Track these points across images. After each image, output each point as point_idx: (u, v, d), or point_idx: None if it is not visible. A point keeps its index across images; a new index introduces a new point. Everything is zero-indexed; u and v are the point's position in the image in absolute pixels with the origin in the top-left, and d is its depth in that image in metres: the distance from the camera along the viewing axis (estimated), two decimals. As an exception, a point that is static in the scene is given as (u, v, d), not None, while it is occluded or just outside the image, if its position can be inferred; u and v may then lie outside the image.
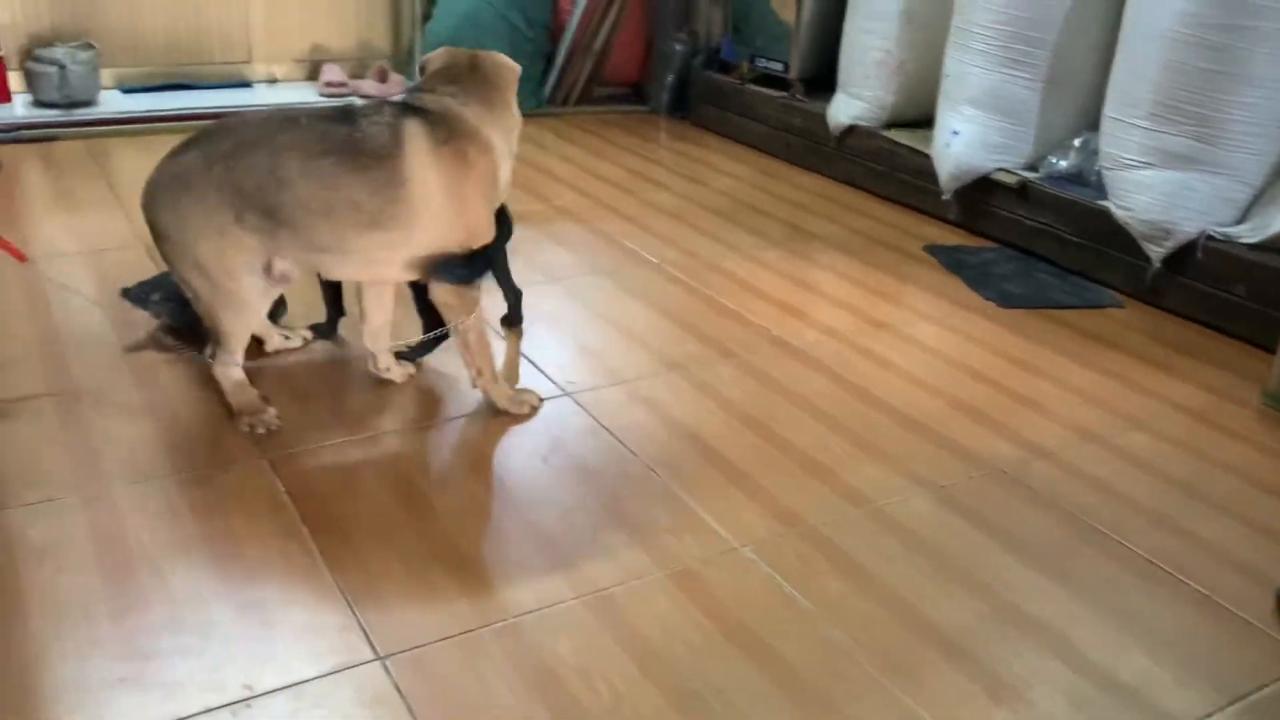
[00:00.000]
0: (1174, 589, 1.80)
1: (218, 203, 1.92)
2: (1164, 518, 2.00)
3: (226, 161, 1.92)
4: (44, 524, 1.75)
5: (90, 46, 4.07)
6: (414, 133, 1.96)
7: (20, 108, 3.96)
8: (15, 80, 4.00)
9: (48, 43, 4.07)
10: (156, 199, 1.98)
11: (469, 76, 2.08)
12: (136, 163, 3.62)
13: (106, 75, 4.21)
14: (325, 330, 2.45)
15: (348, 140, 1.93)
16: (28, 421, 2.03)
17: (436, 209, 1.98)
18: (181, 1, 4.35)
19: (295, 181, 1.91)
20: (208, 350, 2.08)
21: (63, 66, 3.92)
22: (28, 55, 4.00)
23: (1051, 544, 1.90)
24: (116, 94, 4.24)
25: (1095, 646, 1.64)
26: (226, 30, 4.46)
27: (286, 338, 2.40)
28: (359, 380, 2.29)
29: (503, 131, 2.10)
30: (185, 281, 2.01)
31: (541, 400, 2.23)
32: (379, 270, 2.08)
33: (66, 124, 3.89)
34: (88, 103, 4.03)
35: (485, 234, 2.06)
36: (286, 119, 1.98)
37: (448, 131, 1.99)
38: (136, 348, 2.35)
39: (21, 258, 1.98)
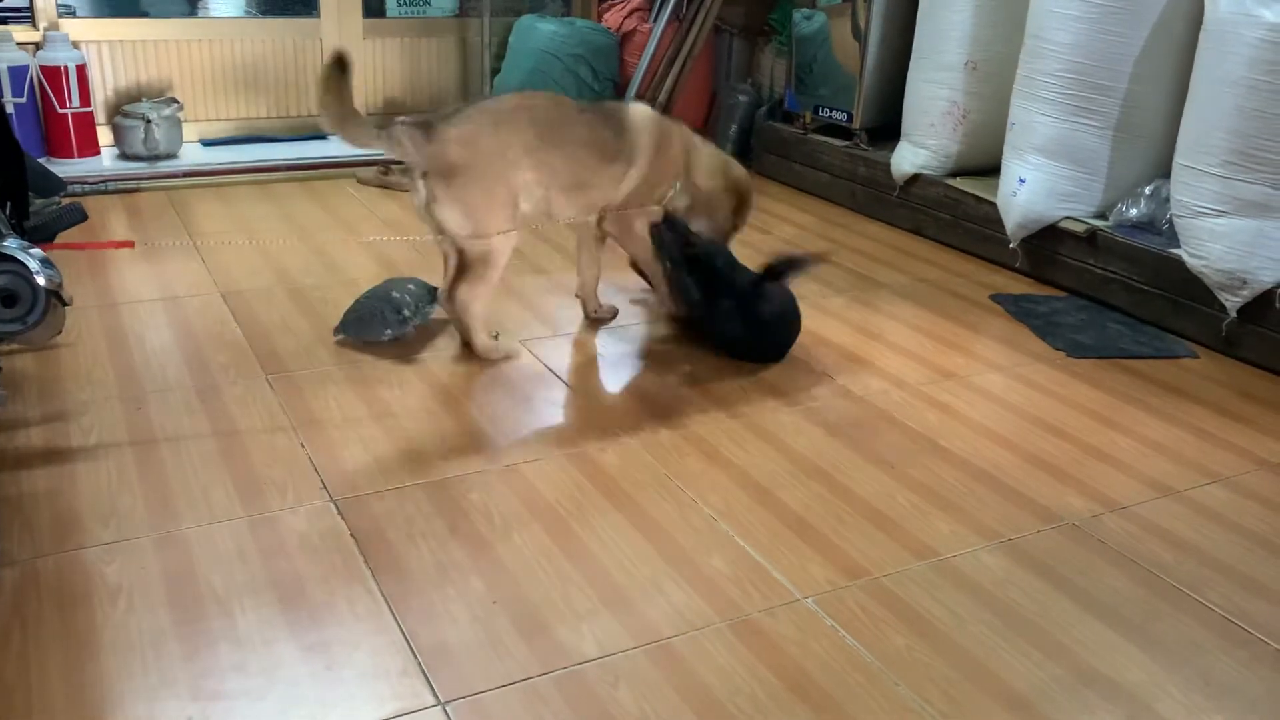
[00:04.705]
0: (1257, 651, 1.73)
1: (524, 136, 2.55)
2: (1245, 576, 1.92)
3: (530, 110, 2.63)
4: (119, 563, 1.79)
5: (174, 101, 4.24)
6: (636, 108, 2.82)
7: (107, 160, 4.13)
8: (103, 135, 4.18)
9: (134, 99, 4.25)
10: (481, 129, 2.53)
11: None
12: (215, 212, 3.75)
13: (189, 129, 4.39)
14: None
15: (596, 109, 2.79)
16: (105, 462, 2.09)
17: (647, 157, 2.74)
18: (260, 58, 4.52)
19: (574, 123, 2.65)
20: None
21: (148, 121, 4.09)
22: (115, 111, 4.18)
23: (1128, 602, 1.84)
24: (198, 147, 4.40)
25: (1176, 711, 1.58)
26: (302, 85, 4.62)
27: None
28: (422, 425, 2.32)
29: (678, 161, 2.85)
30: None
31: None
32: (606, 198, 2.74)
33: (150, 176, 4.05)
34: (170, 155, 4.19)
35: (663, 197, 2.82)
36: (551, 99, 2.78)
37: (659, 113, 2.85)
38: (209, 389, 2.42)
39: (129, 244, 2.27)
